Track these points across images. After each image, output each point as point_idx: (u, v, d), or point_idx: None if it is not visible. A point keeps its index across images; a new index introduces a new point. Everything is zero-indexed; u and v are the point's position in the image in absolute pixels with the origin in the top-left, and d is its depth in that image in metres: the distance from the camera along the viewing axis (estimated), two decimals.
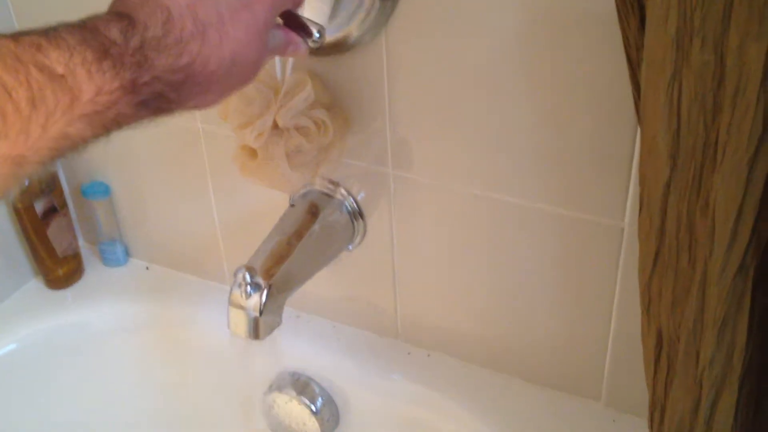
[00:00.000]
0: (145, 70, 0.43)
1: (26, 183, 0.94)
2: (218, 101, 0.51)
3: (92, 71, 0.40)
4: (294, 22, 0.59)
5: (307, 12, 0.71)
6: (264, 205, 0.87)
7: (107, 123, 0.42)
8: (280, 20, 0.59)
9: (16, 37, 0.39)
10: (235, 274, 0.73)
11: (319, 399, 0.90)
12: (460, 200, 0.77)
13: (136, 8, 0.45)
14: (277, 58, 0.71)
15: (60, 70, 0.39)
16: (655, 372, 0.53)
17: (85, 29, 0.42)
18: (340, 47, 0.73)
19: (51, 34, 0.40)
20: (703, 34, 0.41)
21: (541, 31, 0.65)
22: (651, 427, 0.57)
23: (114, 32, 0.42)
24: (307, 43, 0.60)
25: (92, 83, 0.40)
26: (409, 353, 0.89)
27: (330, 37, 0.72)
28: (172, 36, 0.45)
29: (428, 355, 0.89)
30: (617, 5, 0.52)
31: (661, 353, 0.52)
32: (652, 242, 0.48)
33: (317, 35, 0.60)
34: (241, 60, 0.49)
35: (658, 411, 0.55)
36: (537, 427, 0.80)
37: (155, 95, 0.44)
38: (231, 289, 0.73)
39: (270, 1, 0.51)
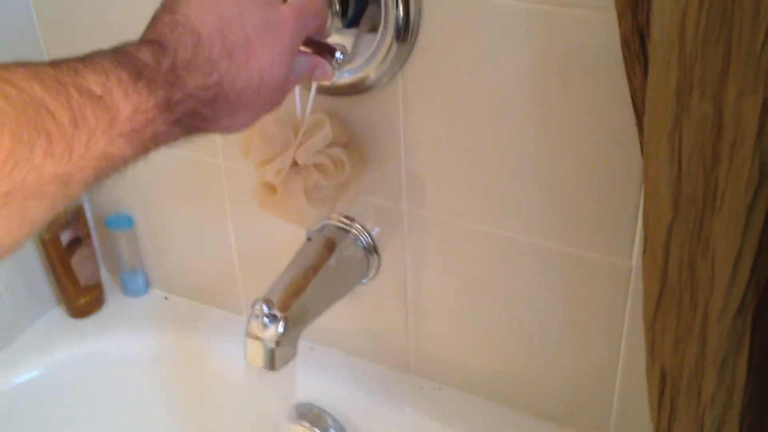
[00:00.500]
0: (178, 89, 0.45)
1: None
2: (249, 123, 0.53)
3: (128, 91, 0.43)
4: (318, 48, 0.62)
5: None
6: (281, 239, 0.89)
7: (145, 141, 0.44)
8: (306, 49, 0.62)
9: (54, 63, 0.42)
10: (253, 306, 0.75)
11: (332, 430, 0.91)
12: (472, 237, 0.79)
13: (165, 35, 0.47)
14: (297, 99, 0.74)
15: (98, 91, 0.41)
16: (659, 408, 0.54)
17: (119, 54, 0.44)
18: (357, 88, 0.75)
19: (86, 59, 0.43)
20: (702, 86, 0.43)
21: (552, 73, 0.67)
22: None
23: (146, 55, 0.45)
24: (332, 65, 0.62)
25: (129, 102, 0.43)
26: (420, 387, 0.91)
27: (348, 79, 0.75)
28: (201, 56, 0.47)
29: (439, 389, 0.90)
30: (624, 55, 0.54)
31: (665, 390, 0.53)
32: (656, 282, 0.50)
33: (340, 56, 0.63)
34: (268, 79, 0.52)
35: None
36: None
37: (189, 113, 0.47)
38: (248, 321, 0.75)
39: (293, 26, 0.54)
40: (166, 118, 0.45)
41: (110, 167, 0.43)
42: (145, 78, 0.44)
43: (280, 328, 0.74)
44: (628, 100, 0.56)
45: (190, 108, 0.47)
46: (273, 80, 0.52)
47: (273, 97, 0.54)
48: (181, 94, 0.46)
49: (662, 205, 0.47)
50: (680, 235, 0.47)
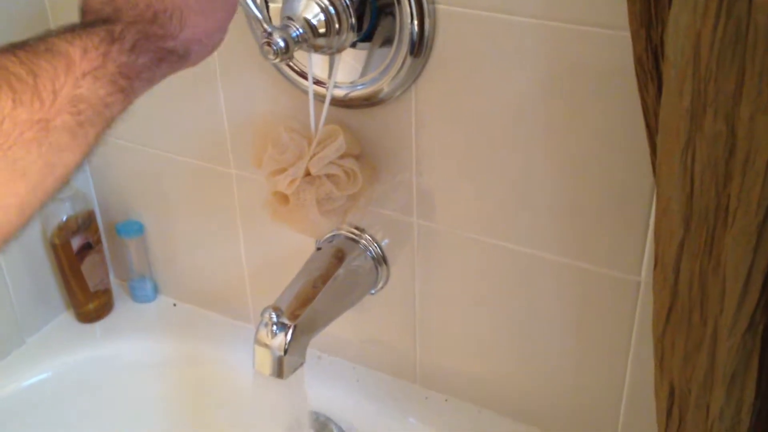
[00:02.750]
0: (115, 23, 0.47)
1: (63, 219, 0.98)
2: (214, 29, 0.54)
3: (68, 39, 0.44)
4: None
5: (340, 70, 0.75)
6: (291, 248, 0.90)
7: (114, 77, 0.45)
8: None
9: None
10: (262, 314, 0.75)
11: None
12: (481, 250, 0.79)
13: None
14: (311, 110, 0.75)
15: (42, 47, 0.43)
16: (667, 424, 0.55)
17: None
18: (371, 101, 0.76)
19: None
20: (716, 106, 0.44)
21: (564, 89, 0.68)
22: None
23: (75, 23, 0.47)
24: None
25: (75, 47, 0.44)
26: (426, 397, 0.91)
27: (362, 91, 0.76)
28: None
29: (445, 400, 0.91)
30: (637, 73, 0.55)
31: (673, 405, 0.54)
32: (666, 298, 0.51)
33: None
34: None
35: None
36: None
37: (140, 36, 0.48)
38: (257, 328, 0.76)
39: None
40: (121, 48, 0.46)
41: (90, 110, 0.44)
42: (78, 27, 0.45)
43: (289, 336, 0.75)
44: (638, 117, 0.57)
45: (138, 31, 0.48)
46: None
47: None
48: (121, 25, 0.47)
49: (674, 222, 0.48)
50: (691, 252, 0.48)
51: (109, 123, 0.46)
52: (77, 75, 0.43)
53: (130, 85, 0.46)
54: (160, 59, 0.49)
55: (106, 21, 0.47)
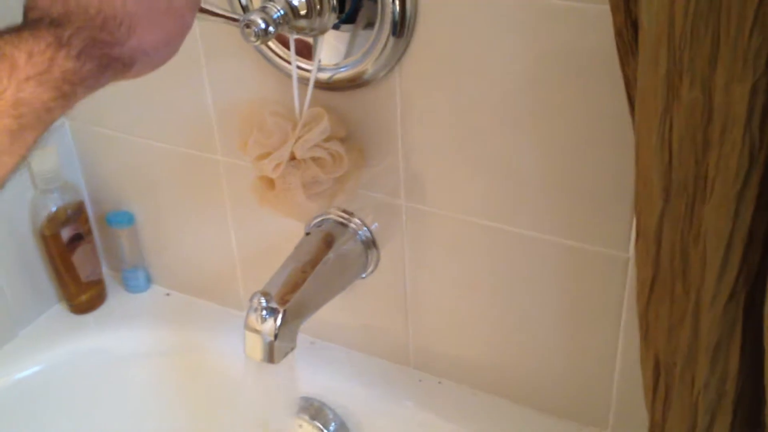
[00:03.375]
0: (65, 27, 0.46)
1: (53, 210, 0.98)
2: (163, 41, 0.53)
3: (15, 43, 0.44)
4: None
5: (323, 50, 0.74)
6: (280, 234, 0.90)
7: (58, 83, 0.45)
8: None
9: None
10: (251, 299, 0.75)
11: (333, 424, 0.91)
12: (471, 231, 0.79)
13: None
14: (295, 93, 0.74)
15: None
16: (654, 397, 0.55)
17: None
18: (355, 83, 0.76)
19: None
20: (692, 73, 0.43)
21: (549, 66, 0.67)
22: None
23: (23, 23, 0.46)
24: None
25: (21, 50, 0.43)
26: (420, 380, 0.91)
27: (345, 73, 0.75)
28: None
29: (439, 382, 0.91)
30: (617, 46, 0.54)
31: (659, 378, 0.54)
32: (649, 270, 0.51)
33: None
34: None
35: None
36: None
37: (88, 43, 0.47)
38: (247, 314, 0.75)
39: None
40: (67, 54, 0.46)
41: (32, 114, 0.44)
42: (28, 27, 0.45)
43: (279, 321, 0.74)
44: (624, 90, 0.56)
45: (87, 37, 0.47)
46: None
47: (170, 5, 0.54)
48: (71, 29, 0.46)
49: (653, 193, 0.48)
50: (672, 223, 0.48)
51: (48, 127, 0.45)
52: (21, 79, 0.43)
53: (73, 91, 0.46)
54: (105, 66, 0.48)
55: (53, 23, 0.46)
